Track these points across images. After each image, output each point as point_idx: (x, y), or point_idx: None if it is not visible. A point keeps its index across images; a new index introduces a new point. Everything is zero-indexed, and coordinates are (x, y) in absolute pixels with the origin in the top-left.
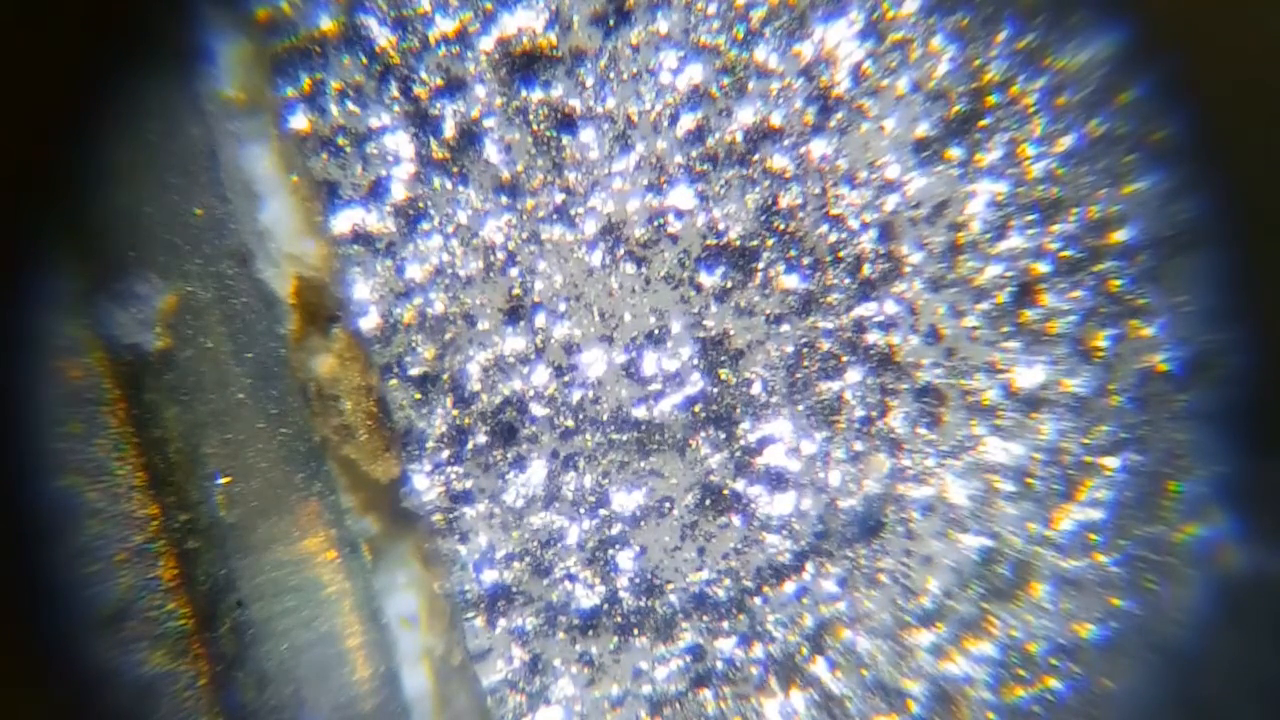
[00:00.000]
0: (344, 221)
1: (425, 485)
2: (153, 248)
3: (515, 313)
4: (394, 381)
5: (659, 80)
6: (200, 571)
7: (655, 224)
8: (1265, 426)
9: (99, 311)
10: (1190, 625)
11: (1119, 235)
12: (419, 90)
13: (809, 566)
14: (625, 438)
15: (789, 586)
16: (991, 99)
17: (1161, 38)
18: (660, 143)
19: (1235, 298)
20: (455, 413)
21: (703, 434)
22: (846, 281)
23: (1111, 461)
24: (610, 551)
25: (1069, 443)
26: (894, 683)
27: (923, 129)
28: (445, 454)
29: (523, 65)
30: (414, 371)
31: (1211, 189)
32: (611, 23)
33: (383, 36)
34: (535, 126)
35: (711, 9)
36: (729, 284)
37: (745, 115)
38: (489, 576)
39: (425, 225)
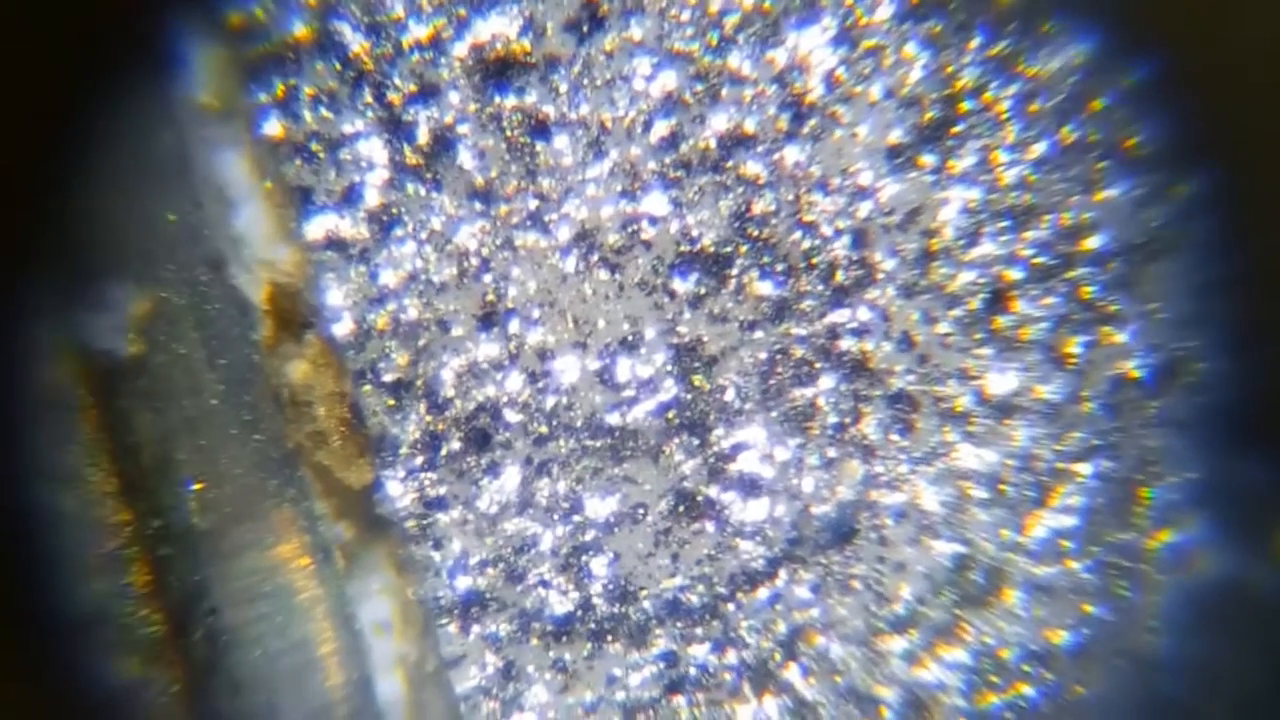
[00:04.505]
0: (317, 227)
1: (399, 491)
2: (126, 254)
3: (489, 319)
4: (367, 388)
5: (632, 87)
6: (173, 578)
7: (629, 230)
8: (1237, 432)
9: (72, 317)
10: (1162, 631)
11: (1091, 242)
12: (393, 96)
13: (782, 573)
14: (599, 444)
15: (762, 593)
16: (964, 106)
17: (1134, 44)
18: (634, 149)
19: (1206, 304)
20: (429, 419)
21: (676, 440)
22: (819, 288)
23: (1084, 468)
24: (584, 558)
25: (1041, 449)
26: (867, 689)
27: (895, 136)
28: (419, 460)
29: (496, 71)
30: (387, 378)
31: (1183, 195)
32: (585, 29)
33: (356, 43)
34: (509, 133)
35: (685, 16)
36: (702, 290)
37: (719, 122)
38: (463, 583)
39: (399, 231)
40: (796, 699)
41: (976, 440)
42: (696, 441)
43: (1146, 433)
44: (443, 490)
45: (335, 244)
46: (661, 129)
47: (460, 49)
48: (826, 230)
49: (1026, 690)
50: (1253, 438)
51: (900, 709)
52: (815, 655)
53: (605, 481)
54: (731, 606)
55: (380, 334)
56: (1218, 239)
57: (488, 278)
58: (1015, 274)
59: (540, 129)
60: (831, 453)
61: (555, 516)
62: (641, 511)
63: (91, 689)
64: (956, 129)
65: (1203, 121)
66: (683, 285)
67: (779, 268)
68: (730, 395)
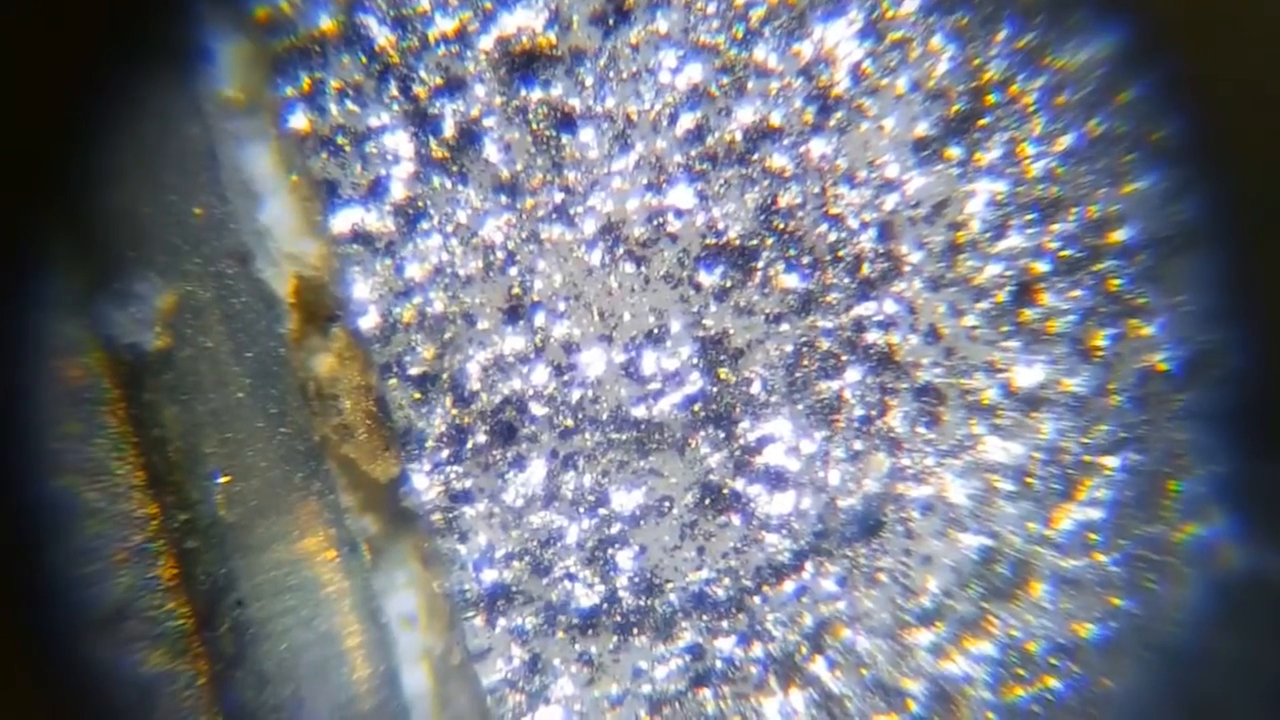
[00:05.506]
0: (343, 221)
1: (425, 484)
2: (152, 247)
3: (515, 312)
4: (393, 381)
5: (658, 79)
6: (199, 571)
7: (655, 223)
8: (1264, 426)
9: (98, 311)
10: (1189, 625)
11: (1118, 235)
12: (418, 89)
13: (808, 566)
14: (625, 437)
15: (788, 586)
16: (991, 98)
17: (1161, 37)
18: (660, 142)
19: (1234, 297)
20: (455, 412)
21: (702, 433)
22: (846, 281)
23: (1111, 461)
24: (610, 551)
25: (1068, 442)
26: (893, 682)
27: (922, 128)
28: (445, 453)
29: (522, 64)
30: (413, 371)
31: (1211, 188)
32: (611, 22)
33: (382, 36)
34: (535, 126)
35: (711, 8)
36: (728, 283)
37: (745, 114)
38: (488, 576)
39: (425, 224)
40: (823, 692)
41: (1003, 433)
42: (722, 434)
43: (1174, 426)
44: (468, 483)
45: (361, 237)
46: (687, 122)
47: (486, 42)
48: (853, 223)
49: (1053, 683)
50: None
51: (927, 702)
52: (841, 648)
53: (631, 474)
54: (757, 599)
55: (406, 327)
56: (1245, 232)
57: (513, 271)
58: (1042, 266)
59: (566, 122)
60: (858, 445)
61: (581, 509)
62: (667, 504)
63: (117, 682)
64: (983, 121)
65: (1229, 114)
66: (708, 278)
67: (805, 260)
68: (756, 388)
